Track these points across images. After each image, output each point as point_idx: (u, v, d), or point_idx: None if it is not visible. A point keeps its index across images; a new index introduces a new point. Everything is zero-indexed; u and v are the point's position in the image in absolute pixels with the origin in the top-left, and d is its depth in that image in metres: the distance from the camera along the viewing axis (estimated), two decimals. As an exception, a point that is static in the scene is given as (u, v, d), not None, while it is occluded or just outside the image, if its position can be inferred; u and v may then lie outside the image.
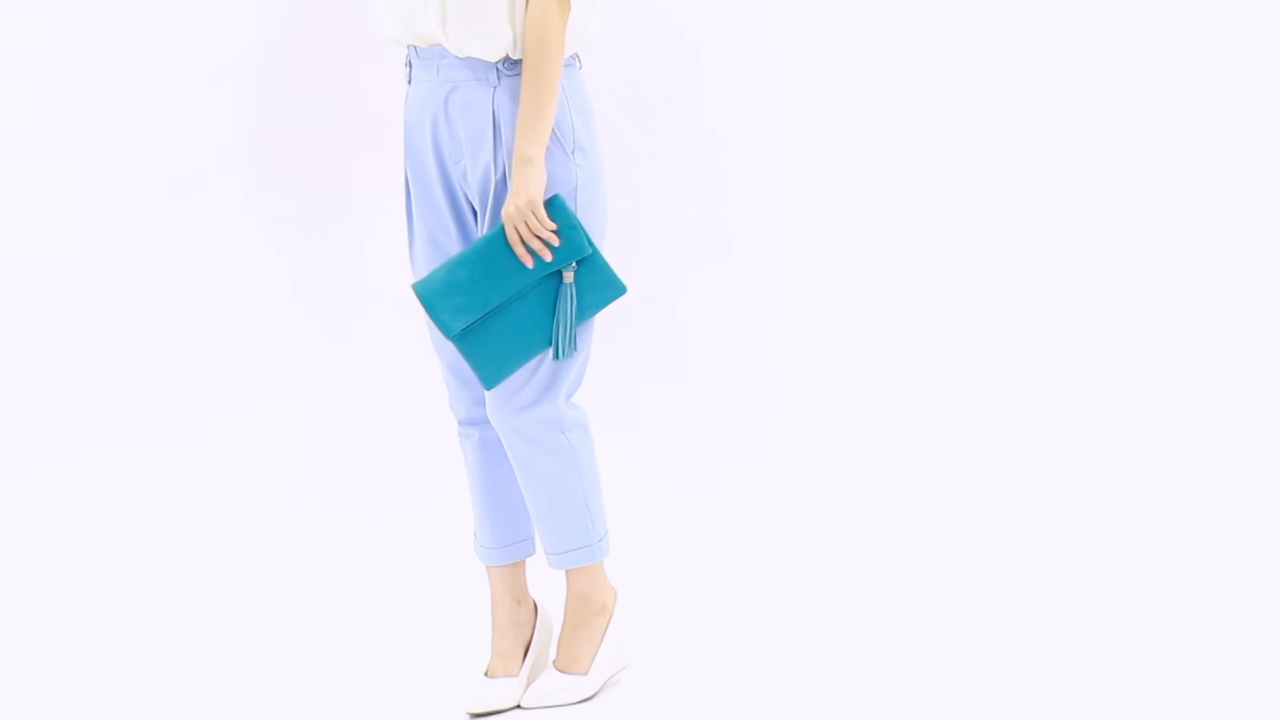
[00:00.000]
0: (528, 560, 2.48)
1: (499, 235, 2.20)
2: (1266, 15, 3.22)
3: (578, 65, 2.29)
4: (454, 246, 2.32)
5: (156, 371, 3.18)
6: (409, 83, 2.32)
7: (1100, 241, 3.30)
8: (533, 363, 2.26)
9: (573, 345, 2.24)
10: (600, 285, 2.24)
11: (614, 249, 2.35)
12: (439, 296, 2.19)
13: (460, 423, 2.44)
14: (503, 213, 2.19)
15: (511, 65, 2.22)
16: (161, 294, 3.15)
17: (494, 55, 2.20)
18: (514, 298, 2.21)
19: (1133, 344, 3.30)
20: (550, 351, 2.25)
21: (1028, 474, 3.23)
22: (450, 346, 2.34)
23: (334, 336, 3.22)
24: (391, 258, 2.77)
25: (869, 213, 3.26)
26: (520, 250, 2.18)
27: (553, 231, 2.18)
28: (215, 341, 3.17)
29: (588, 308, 2.24)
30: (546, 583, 2.58)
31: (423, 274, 2.34)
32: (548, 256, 2.19)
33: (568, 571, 2.40)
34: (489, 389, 2.25)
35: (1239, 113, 3.26)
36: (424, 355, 2.58)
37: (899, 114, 3.23)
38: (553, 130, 2.20)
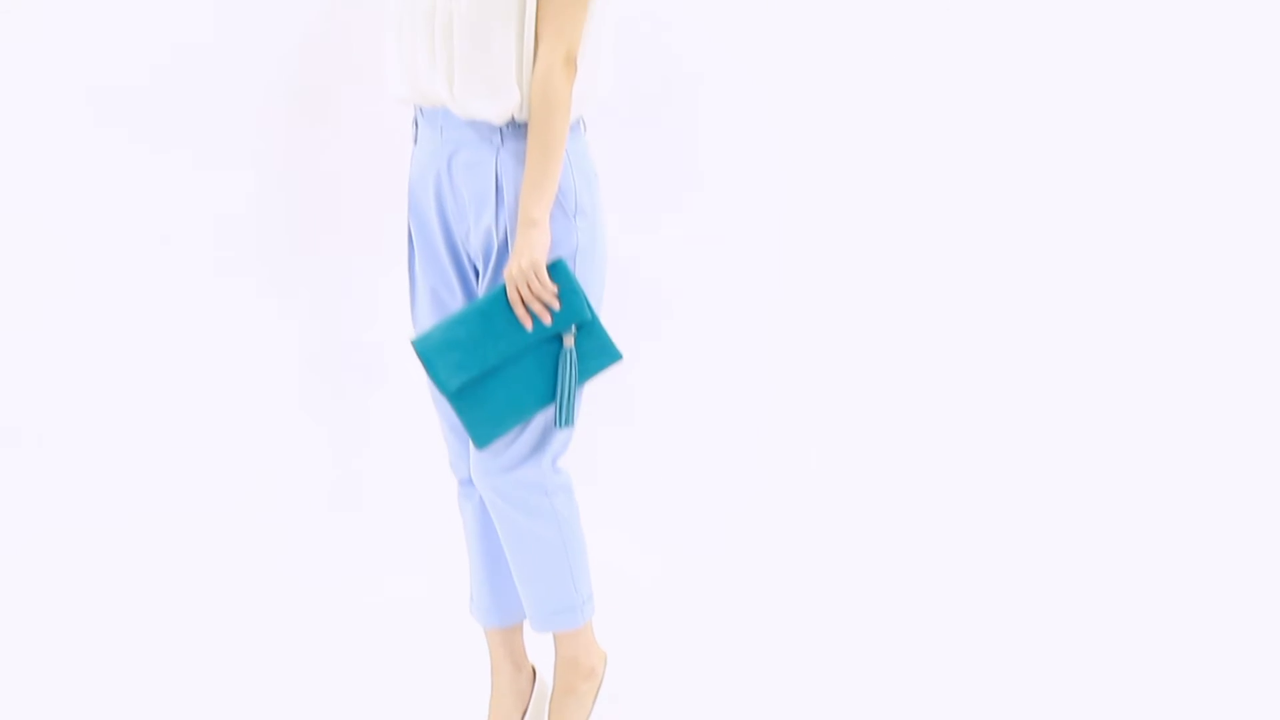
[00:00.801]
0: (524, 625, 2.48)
1: (500, 295, 2.19)
2: (1266, 15, 3.14)
3: (582, 129, 2.29)
4: (457, 304, 2.32)
5: (156, 412, 3.14)
6: (415, 142, 2.33)
7: (1093, 243, 3.23)
8: (520, 424, 2.25)
9: (574, 412, 2.23)
10: (596, 351, 2.23)
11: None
12: (437, 353, 2.19)
13: (461, 482, 2.43)
14: (505, 273, 2.18)
15: (516, 127, 2.21)
16: (163, 346, 3.12)
17: (500, 118, 2.20)
18: (511, 358, 2.20)
19: (1130, 344, 3.24)
20: (540, 414, 2.25)
21: (1018, 511, 3.21)
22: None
23: (334, 391, 3.17)
24: (394, 313, 2.76)
25: (860, 271, 3.21)
26: (520, 311, 2.18)
27: (554, 295, 2.18)
28: (214, 393, 3.13)
29: (583, 373, 2.24)
30: (543, 647, 2.57)
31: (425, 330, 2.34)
32: (547, 320, 2.18)
33: (555, 635, 2.39)
34: (480, 448, 2.23)
35: (1239, 113, 3.18)
36: (425, 414, 2.57)
37: (895, 159, 3.17)
38: (572, 188, 2.22)
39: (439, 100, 2.24)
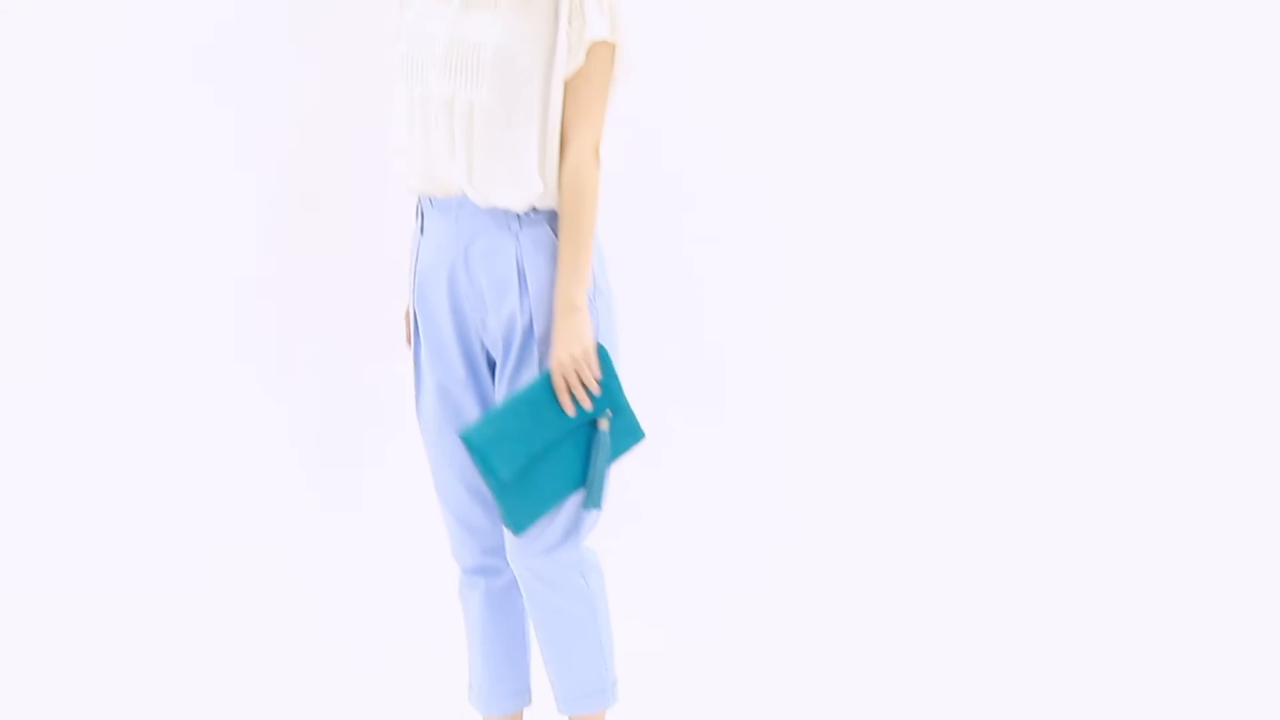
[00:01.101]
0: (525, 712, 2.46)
1: (545, 383, 2.17)
2: (1266, 15, 3.15)
3: None
4: (465, 397, 2.28)
5: (163, 514, 3.06)
6: (421, 232, 2.28)
7: (1085, 255, 3.23)
8: (556, 507, 2.24)
9: (604, 495, 2.22)
10: (625, 431, 2.24)
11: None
12: (490, 444, 2.14)
13: (466, 571, 2.38)
14: (553, 360, 2.16)
15: (534, 213, 2.20)
16: (168, 443, 3.04)
17: (522, 206, 2.18)
18: (552, 445, 2.19)
19: (1130, 346, 3.23)
20: (574, 496, 2.24)
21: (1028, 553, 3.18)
22: (459, 495, 2.31)
23: (335, 484, 3.08)
24: (394, 406, 2.73)
25: (862, 363, 3.18)
26: (565, 398, 2.17)
27: (597, 381, 2.18)
28: (218, 484, 3.05)
29: (611, 454, 2.24)
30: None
31: (430, 423, 2.30)
32: (588, 405, 2.18)
33: None
34: (518, 534, 2.20)
35: (1239, 113, 3.18)
36: (422, 494, 2.51)
37: (889, 219, 3.16)
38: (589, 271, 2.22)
39: (456, 189, 2.21)
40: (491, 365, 2.29)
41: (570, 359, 2.14)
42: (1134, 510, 3.21)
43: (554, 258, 2.20)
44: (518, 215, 2.19)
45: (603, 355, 2.19)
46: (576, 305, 2.15)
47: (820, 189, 3.11)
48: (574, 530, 2.26)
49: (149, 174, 2.91)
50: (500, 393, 2.24)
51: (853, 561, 3.18)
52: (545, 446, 2.17)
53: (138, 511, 3.03)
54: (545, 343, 2.20)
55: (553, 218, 2.22)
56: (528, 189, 2.17)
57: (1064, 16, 3.12)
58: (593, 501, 2.21)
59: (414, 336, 2.31)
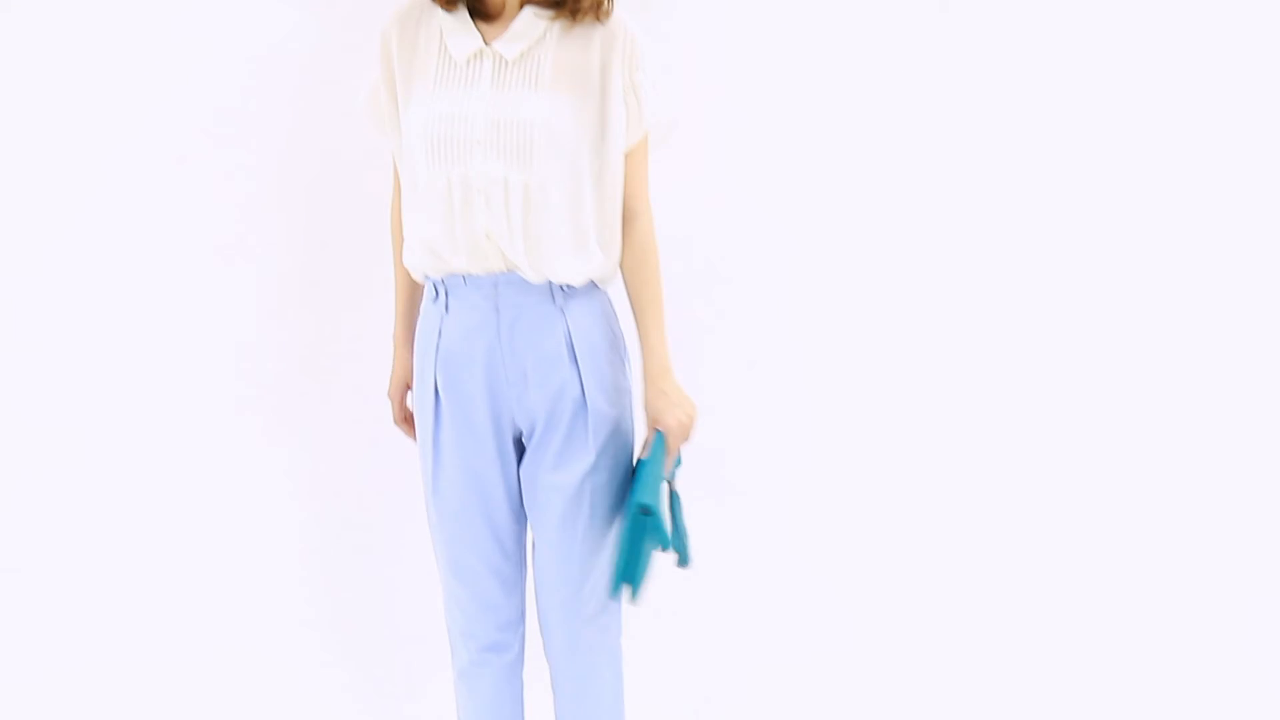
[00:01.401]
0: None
1: (661, 449, 2.21)
2: (1266, 15, 3.09)
3: None
4: (494, 476, 2.26)
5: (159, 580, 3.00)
6: (446, 311, 2.24)
7: (1099, 261, 3.15)
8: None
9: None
10: None
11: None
12: (660, 515, 2.18)
13: (479, 650, 2.34)
14: (670, 423, 2.23)
15: (585, 284, 2.23)
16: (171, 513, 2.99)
17: (581, 279, 2.20)
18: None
19: (1138, 359, 3.16)
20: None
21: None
22: (478, 574, 2.30)
23: (329, 569, 3.03)
24: (394, 489, 2.75)
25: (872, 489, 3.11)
26: (672, 459, 2.25)
27: None
28: (221, 556, 3.00)
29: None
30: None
31: (451, 504, 2.27)
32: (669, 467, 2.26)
33: None
34: (635, 598, 2.22)
35: (1239, 114, 3.12)
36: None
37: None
38: (622, 340, 2.29)
39: (502, 266, 2.21)
40: (516, 441, 2.28)
41: (689, 419, 2.24)
42: (1171, 535, 3.14)
43: (599, 327, 2.23)
44: (563, 288, 2.22)
45: None
46: (669, 366, 2.24)
47: (818, 287, 3.08)
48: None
49: (157, 232, 2.91)
50: (539, 464, 2.23)
51: (860, 638, 3.13)
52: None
53: (139, 553, 3.00)
54: (599, 412, 2.21)
55: (594, 288, 2.24)
56: (588, 262, 2.21)
57: (1067, 49, 3.08)
58: (685, 559, 2.25)
59: (433, 417, 2.28)
